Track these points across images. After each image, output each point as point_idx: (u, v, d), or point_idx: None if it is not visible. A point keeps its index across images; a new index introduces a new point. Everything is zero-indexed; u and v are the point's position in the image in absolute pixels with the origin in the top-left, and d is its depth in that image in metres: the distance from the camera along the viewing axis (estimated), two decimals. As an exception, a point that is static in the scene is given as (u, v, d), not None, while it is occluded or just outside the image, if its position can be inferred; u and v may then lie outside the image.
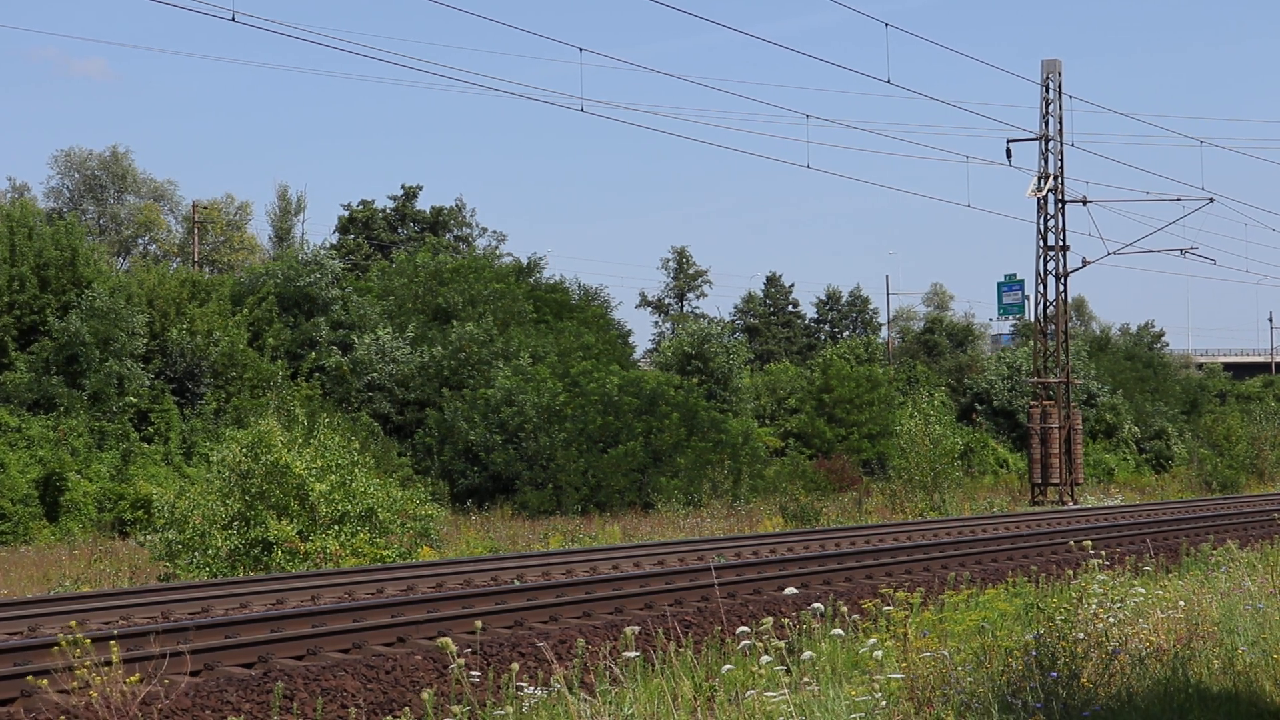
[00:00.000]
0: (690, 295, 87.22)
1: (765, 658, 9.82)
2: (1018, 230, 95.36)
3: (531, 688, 10.88)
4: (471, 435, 45.96)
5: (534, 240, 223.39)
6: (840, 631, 11.64)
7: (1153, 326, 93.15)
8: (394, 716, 11.76)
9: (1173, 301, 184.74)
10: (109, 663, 10.92)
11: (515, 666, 11.06)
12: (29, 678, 11.56)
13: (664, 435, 46.85)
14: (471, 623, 14.68)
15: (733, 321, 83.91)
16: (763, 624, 10.70)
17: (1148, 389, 78.17)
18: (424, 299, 53.47)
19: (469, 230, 74.75)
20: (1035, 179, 50.16)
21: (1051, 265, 50.67)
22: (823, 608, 11.95)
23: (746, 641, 10.45)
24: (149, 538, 27.27)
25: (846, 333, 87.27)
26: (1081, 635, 11.31)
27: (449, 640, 10.08)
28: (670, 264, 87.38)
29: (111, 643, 10.98)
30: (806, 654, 10.14)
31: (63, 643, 10.82)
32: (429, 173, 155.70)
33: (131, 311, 42.49)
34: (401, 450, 46.40)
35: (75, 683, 11.12)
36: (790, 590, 11.73)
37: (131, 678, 10.84)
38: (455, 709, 10.08)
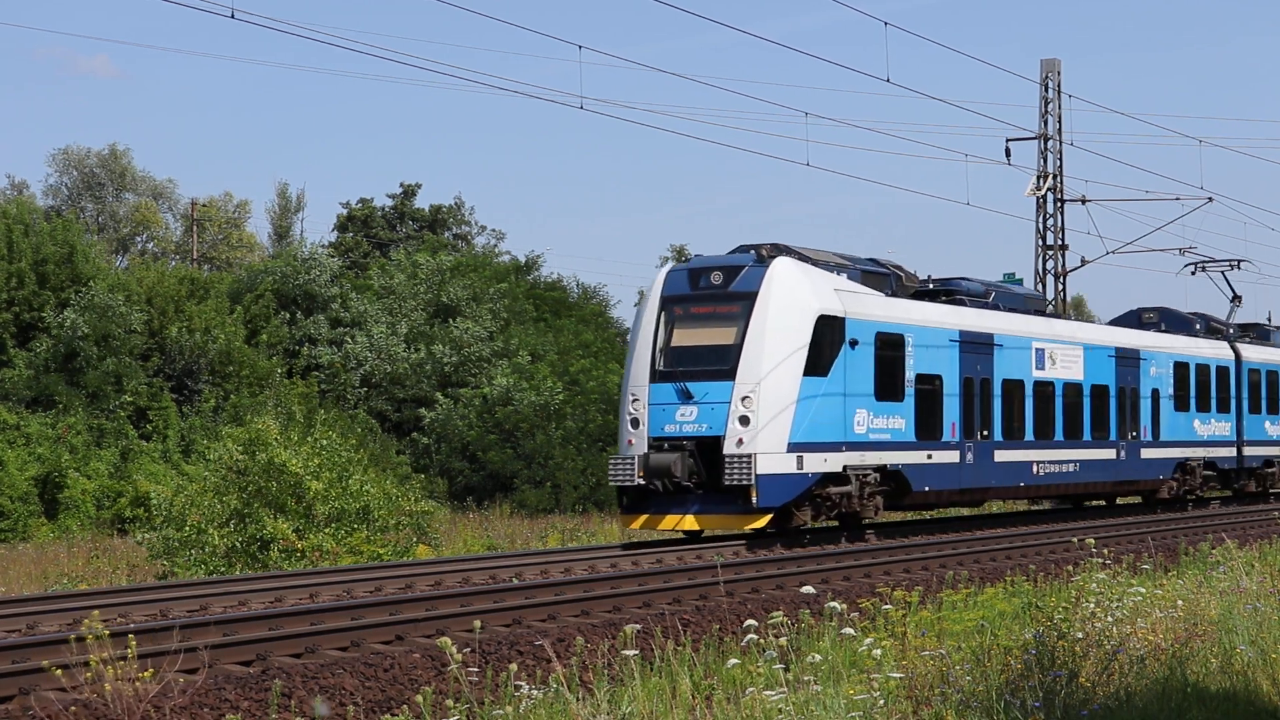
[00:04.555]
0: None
1: (769, 653, 9.82)
2: (1017, 229, 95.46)
3: (530, 686, 10.87)
4: (469, 434, 45.93)
5: (533, 238, 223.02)
6: (851, 630, 11.64)
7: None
8: (392, 715, 11.76)
9: (1171, 301, 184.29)
10: (121, 659, 10.90)
11: (514, 666, 11.07)
12: (54, 668, 11.51)
13: (663, 434, 46.77)
14: (470, 621, 14.67)
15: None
16: (770, 619, 10.69)
17: (1146, 388, 78.11)
18: (425, 297, 53.47)
19: (468, 228, 74.75)
20: (1034, 178, 50.17)
21: (1050, 264, 50.69)
22: (839, 606, 11.93)
23: (750, 637, 10.44)
24: (147, 536, 27.28)
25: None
26: (1080, 635, 11.32)
27: (448, 640, 10.08)
28: (669, 262, 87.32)
29: (131, 637, 10.96)
30: (813, 657, 10.13)
31: (88, 638, 10.79)
32: (428, 171, 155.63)
33: (130, 309, 42.50)
34: (400, 448, 46.40)
35: (75, 682, 11.12)
36: (809, 589, 11.73)
37: (145, 672, 10.84)
38: (453, 704, 10.08)
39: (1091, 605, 12.22)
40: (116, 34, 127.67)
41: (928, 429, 28.56)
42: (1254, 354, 42.51)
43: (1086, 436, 34.11)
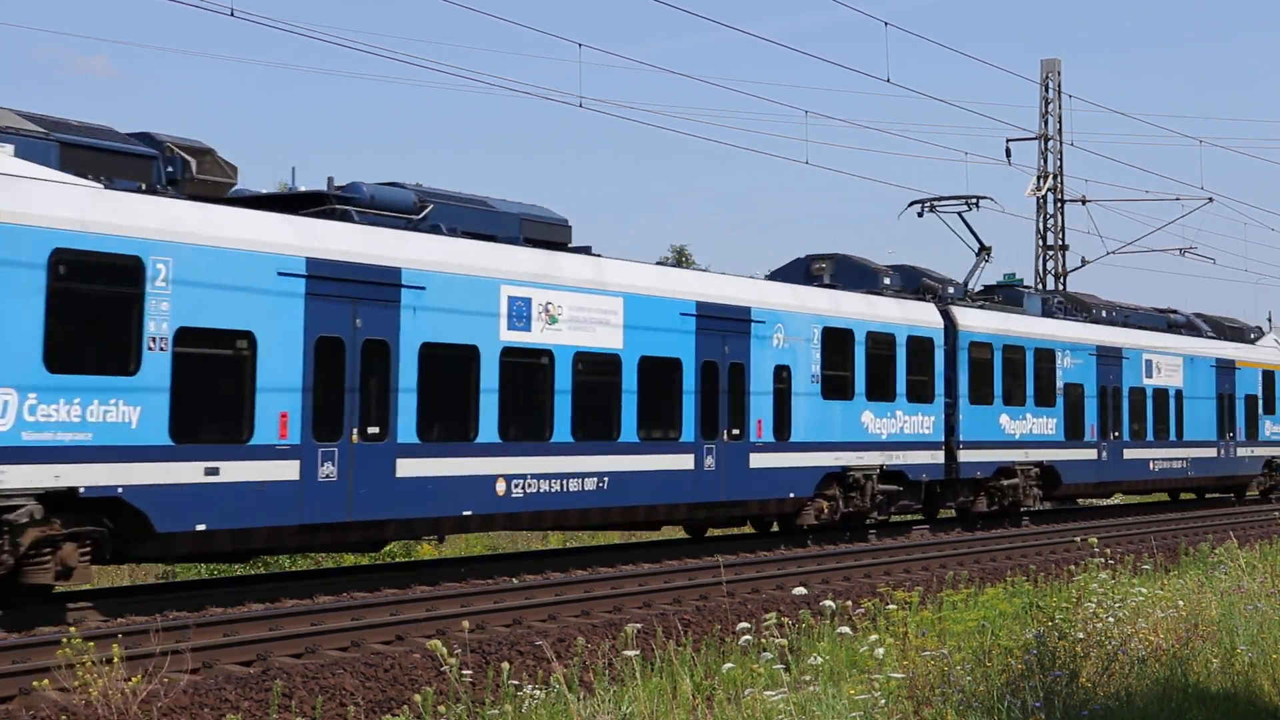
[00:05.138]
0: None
1: (765, 654, 9.82)
2: (1017, 228, 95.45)
3: (530, 686, 10.88)
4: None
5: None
6: (847, 629, 11.63)
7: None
8: (393, 715, 11.77)
9: (1171, 301, 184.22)
10: (109, 660, 10.91)
11: (507, 666, 11.09)
12: (40, 680, 11.50)
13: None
14: (471, 620, 14.69)
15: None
16: (765, 620, 10.69)
17: (1146, 388, 78.02)
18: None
19: (468, 229, 74.80)
20: (1034, 178, 50.18)
21: (1051, 264, 50.69)
22: (834, 605, 11.92)
23: (747, 638, 10.45)
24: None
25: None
26: (1081, 635, 11.33)
27: (438, 643, 10.09)
28: (669, 261, 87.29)
29: (115, 646, 10.97)
30: (815, 659, 10.13)
31: (73, 642, 10.80)
32: (428, 171, 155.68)
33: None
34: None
35: (77, 681, 11.12)
36: (801, 590, 11.74)
37: (134, 678, 10.83)
38: (446, 709, 10.08)
39: (1092, 605, 12.23)
40: (116, 34, 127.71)
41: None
42: (982, 322, 30.89)
43: (629, 437, 22.30)
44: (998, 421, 30.98)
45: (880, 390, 27.67)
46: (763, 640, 10.52)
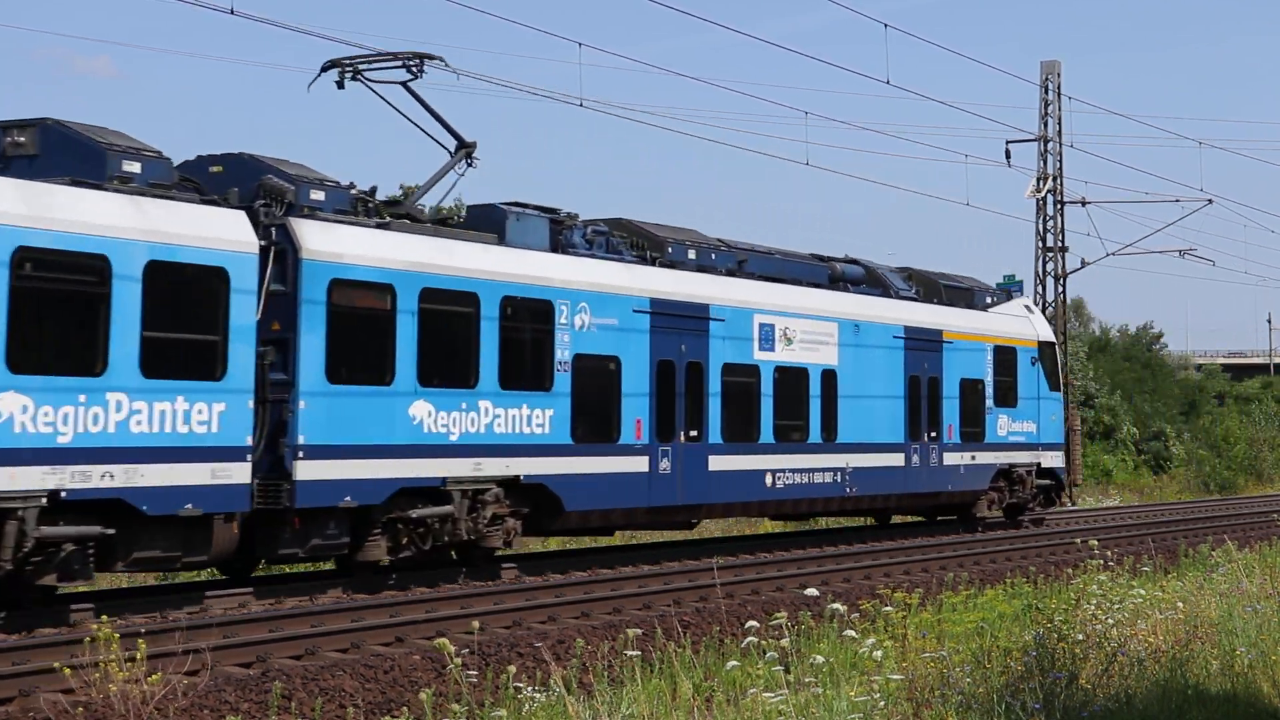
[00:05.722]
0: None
1: (769, 654, 9.84)
2: (1017, 230, 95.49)
3: (530, 688, 10.90)
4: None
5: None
6: (853, 633, 11.65)
7: (1151, 327, 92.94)
8: (392, 716, 11.78)
9: (1171, 302, 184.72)
10: (130, 660, 10.95)
11: (512, 668, 11.10)
12: (64, 668, 11.52)
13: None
14: (469, 623, 14.70)
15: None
16: (774, 619, 10.70)
17: (1146, 390, 78.15)
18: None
19: (468, 230, 74.74)
20: (1034, 180, 50.18)
21: (1050, 266, 50.69)
22: (840, 608, 11.93)
23: (750, 639, 10.47)
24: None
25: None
26: (1080, 636, 11.36)
27: (445, 641, 10.10)
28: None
29: (141, 641, 11.00)
30: (816, 659, 10.13)
31: (95, 639, 10.84)
32: (429, 171, 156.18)
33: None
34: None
35: (97, 674, 11.17)
36: (812, 591, 11.74)
37: (155, 675, 10.88)
38: (454, 708, 10.10)
39: (1092, 607, 12.26)
40: (117, 35, 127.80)
41: None
42: (366, 250, 18.78)
43: None
44: (405, 414, 19.08)
45: (57, 358, 15.53)
46: (763, 642, 10.54)
